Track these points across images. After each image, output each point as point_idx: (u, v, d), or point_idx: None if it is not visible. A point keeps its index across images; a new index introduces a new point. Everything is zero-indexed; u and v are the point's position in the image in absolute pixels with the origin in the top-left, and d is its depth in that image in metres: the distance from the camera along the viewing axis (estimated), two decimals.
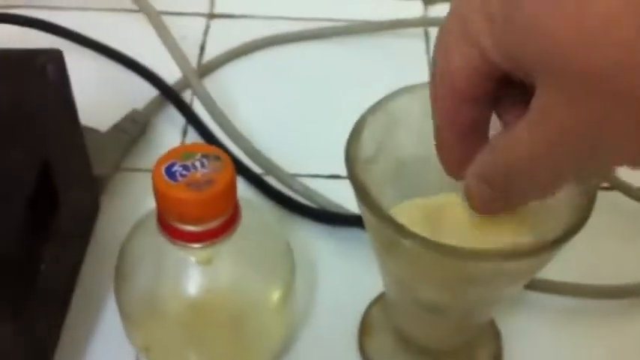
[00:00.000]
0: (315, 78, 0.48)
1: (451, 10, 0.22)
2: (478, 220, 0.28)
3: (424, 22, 0.50)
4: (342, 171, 0.41)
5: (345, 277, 0.36)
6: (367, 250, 0.38)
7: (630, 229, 0.39)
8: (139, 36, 0.47)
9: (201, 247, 0.27)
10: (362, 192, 0.25)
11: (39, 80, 0.30)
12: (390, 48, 0.50)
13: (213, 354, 0.30)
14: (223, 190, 0.26)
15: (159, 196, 0.26)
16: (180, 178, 0.26)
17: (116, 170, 0.40)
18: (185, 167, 0.26)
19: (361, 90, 0.48)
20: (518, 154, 0.21)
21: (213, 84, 0.46)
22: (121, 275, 0.29)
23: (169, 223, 0.27)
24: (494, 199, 0.24)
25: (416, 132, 0.30)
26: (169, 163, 0.26)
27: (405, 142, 0.30)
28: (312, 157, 0.42)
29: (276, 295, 0.30)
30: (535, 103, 0.20)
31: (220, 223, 0.27)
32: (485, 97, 0.23)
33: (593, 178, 0.25)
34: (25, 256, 0.30)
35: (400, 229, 0.23)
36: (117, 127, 0.41)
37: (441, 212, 0.29)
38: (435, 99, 0.24)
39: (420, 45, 0.50)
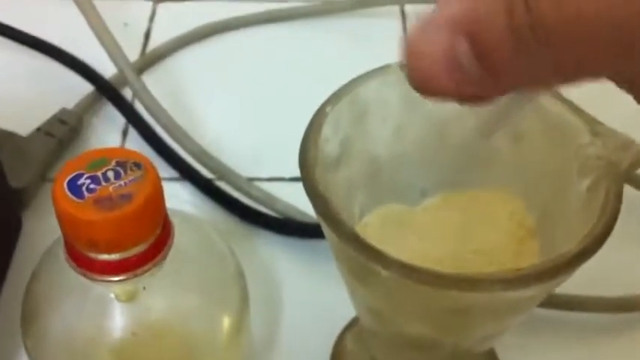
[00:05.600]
0: (276, 66, 0.42)
1: None
2: (473, 227, 0.23)
3: None
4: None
5: (314, 298, 0.31)
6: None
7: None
8: (70, 25, 0.41)
9: (121, 280, 0.21)
10: (323, 207, 0.19)
11: None
12: (361, 30, 0.44)
13: None
14: (143, 206, 0.20)
15: (61, 217, 0.20)
16: (87, 194, 0.20)
17: (41, 181, 0.34)
18: (94, 179, 0.20)
19: (330, 79, 0.43)
20: None
21: (159, 76, 0.41)
22: (28, 318, 0.23)
23: (78, 251, 0.21)
24: (478, 76, 0.13)
25: (392, 124, 0.24)
26: (74, 174, 0.20)
27: (378, 136, 0.24)
28: (273, 157, 0.36)
29: (225, 329, 0.24)
30: None
31: (144, 248, 0.21)
32: None
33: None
34: None
35: (375, 255, 0.17)
36: (41, 130, 0.35)
37: (426, 220, 0.24)
38: None
39: (396, 25, 0.44)
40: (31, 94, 0.38)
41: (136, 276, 0.21)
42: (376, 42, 0.44)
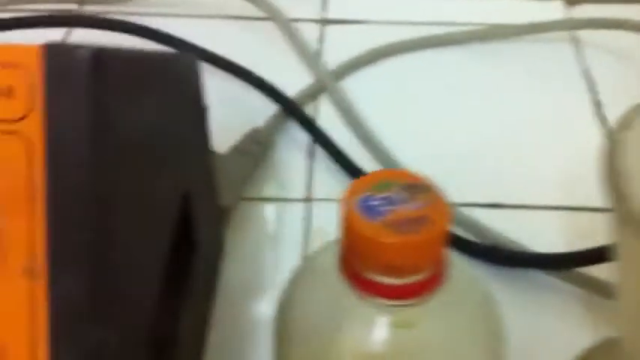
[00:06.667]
0: (447, 90, 0.41)
1: None
2: None
3: (572, 24, 0.44)
4: (504, 199, 0.35)
5: (534, 330, 0.30)
6: (552, 297, 0.31)
7: None
8: (250, 45, 0.42)
9: (402, 306, 0.21)
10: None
11: (176, 90, 0.24)
12: (531, 55, 0.43)
13: None
14: (440, 230, 0.20)
15: (353, 239, 0.20)
16: (380, 216, 0.20)
17: (239, 200, 0.34)
18: (386, 201, 0.20)
19: (502, 103, 0.42)
20: None
21: (333, 98, 0.41)
22: (285, 341, 0.23)
23: (361, 274, 0.20)
24: None
25: None
26: (364, 195, 0.20)
27: None
28: (464, 182, 0.35)
29: None
30: None
31: (430, 274, 0.20)
32: None
33: None
34: (164, 325, 0.24)
35: None
36: (238, 149, 0.35)
37: None
38: None
39: (567, 49, 0.43)
40: (219, 114, 0.38)
41: (420, 302, 0.21)
42: (546, 67, 0.43)
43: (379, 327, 0.21)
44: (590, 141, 0.38)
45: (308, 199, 0.35)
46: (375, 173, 0.21)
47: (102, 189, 0.18)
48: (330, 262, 0.22)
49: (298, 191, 0.35)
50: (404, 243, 0.19)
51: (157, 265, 0.21)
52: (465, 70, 0.43)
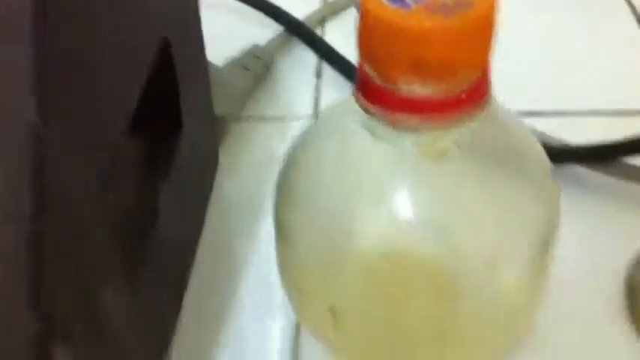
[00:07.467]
0: None
1: None
2: None
3: None
4: (540, 106, 0.31)
5: (581, 231, 0.25)
6: (599, 196, 0.27)
7: None
8: None
9: (435, 128, 0.16)
10: None
11: None
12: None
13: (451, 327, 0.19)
14: (487, 16, 0.16)
15: (374, 32, 0.16)
16: (412, 3, 0.16)
17: (238, 115, 0.30)
18: None
19: (545, 18, 0.38)
20: None
21: (341, 27, 0.37)
22: (287, 203, 0.19)
23: (383, 85, 0.16)
24: None
25: None
26: None
27: None
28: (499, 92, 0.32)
29: (534, 246, 0.18)
30: None
31: (471, 83, 0.16)
32: None
33: None
34: (141, 185, 0.20)
35: None
36: (237, 62, 0.31)
37: None
38: None
39: None
40: (217, 33, 0.34)
41: (459, 121, 0.16)
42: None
43: (404, 158, 0.17)
44: (636, 48, 0.34)
45: (315, 118, 0.31)
46: None
47: None
48: (343, 107, 0.18)
49: (305, 110, 0.31)
50: (439, 28, 0.15)
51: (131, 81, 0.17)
52: None
